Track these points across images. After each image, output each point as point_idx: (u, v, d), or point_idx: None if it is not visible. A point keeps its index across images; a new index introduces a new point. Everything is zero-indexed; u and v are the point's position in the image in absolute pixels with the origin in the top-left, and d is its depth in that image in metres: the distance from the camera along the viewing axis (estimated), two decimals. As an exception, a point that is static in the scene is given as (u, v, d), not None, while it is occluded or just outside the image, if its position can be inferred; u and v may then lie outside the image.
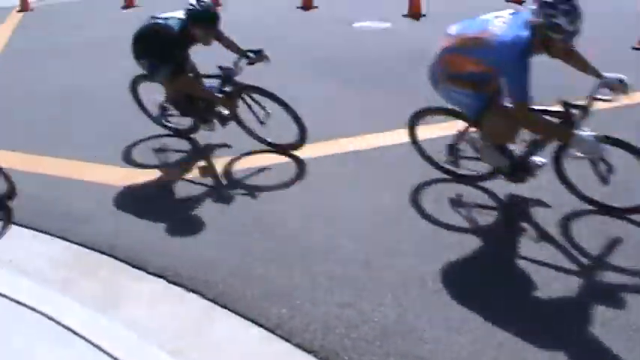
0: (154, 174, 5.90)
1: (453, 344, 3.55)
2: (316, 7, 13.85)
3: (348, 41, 10.65)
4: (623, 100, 4.85)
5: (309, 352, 3.56)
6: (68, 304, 3.95)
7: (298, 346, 3.61)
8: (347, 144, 6.24)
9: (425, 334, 3.63)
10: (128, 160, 6.21)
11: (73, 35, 7.19)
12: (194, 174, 5.87)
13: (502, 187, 5.15)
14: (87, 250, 4.69)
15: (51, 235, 4.91)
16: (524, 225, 4.76)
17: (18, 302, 3.90)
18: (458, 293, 3.98)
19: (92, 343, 3.53)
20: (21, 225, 5.08)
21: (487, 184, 5.24)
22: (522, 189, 5.10)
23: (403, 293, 3.99)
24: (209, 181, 5.73)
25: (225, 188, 5.55)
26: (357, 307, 3.88)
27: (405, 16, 12.98)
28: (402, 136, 5.74)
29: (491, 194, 5.17)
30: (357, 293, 4.01)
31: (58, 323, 3.71)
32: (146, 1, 16.56)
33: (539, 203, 4.97)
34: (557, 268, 4.18)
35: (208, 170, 5.90)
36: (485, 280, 4.13)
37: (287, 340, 3.65)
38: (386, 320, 3.77)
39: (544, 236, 4.57)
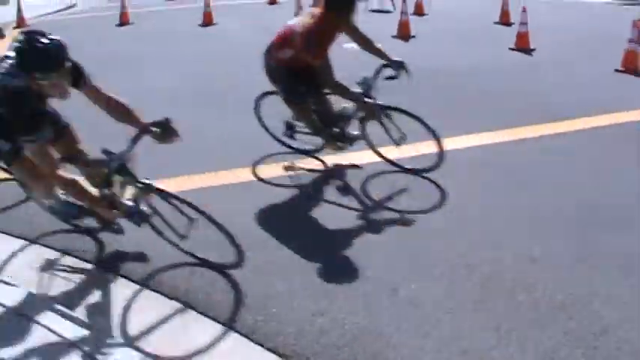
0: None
1: (418, 350, 3.68)
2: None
3: (338, 62, 10.81)
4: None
5: (280, 355, 3.67)
6: (49, 307, 4.07)
7: (271, 350, 3.72)
8: (328, 160, 6.45)
9: (393, 340, 3.75)
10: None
11: (74, 52, 7.30)
12: (178, 185, 5.99)
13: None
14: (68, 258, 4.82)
15: (33, 242, 5.02)
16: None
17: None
18: (425, 302, 4.11)
19: (71, 343, 3.64)
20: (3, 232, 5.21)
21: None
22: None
23: (375, 301, 4.12)
24: (195, 193, 5.83)
25: (209, 201, 5.61)
26: (329, 315, 4.02)
27: (394, 37, 13.21)
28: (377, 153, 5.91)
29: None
30: (331, 301, 4.13)
31: (38, 324, 3.82)
32: (140, 20, 16.84)
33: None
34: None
35: (192, 182, 6.02)
36: (451, 291, 4.26)
37: (261, 345, 3.76)
38: (356, 327, 3.89)
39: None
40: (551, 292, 4.15)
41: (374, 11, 18.15)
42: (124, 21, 16.67)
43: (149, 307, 4.17)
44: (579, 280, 4.29)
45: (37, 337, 3.70)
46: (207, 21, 16.08)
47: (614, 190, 5.45)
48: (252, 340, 3.80)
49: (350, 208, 5.50)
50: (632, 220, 5.11)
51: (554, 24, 14.67)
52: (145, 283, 4.43)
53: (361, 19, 14.81)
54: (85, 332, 3.77)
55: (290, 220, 5.38)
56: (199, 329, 3.91)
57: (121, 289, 4.36)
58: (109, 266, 4.67)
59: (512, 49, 12.07)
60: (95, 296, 4.30)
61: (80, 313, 4.06)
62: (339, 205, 5.57)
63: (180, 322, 4.00)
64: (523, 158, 5.78)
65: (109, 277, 4.53)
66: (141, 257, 4.75)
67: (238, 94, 8.52)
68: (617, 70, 10.25)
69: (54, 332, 3.72)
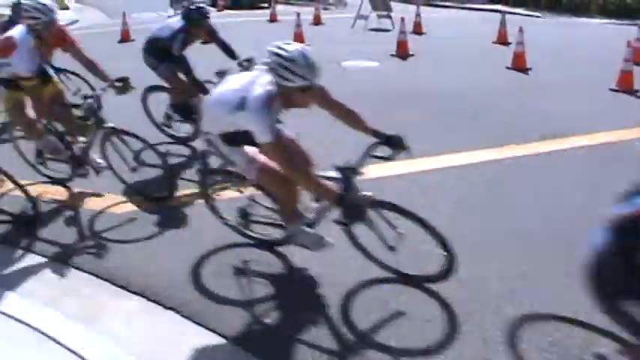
0: (136, 199, 6.10)
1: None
2: (307, 45, 14.22)
3: (338, 79, 10.92)
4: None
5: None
6: (52, 316, 4.16)
7: (264, 358, 3.81)
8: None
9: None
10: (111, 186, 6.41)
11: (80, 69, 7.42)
12: (175, 199, 6.08)
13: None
14: (72, 270, 4.90)
15: (40, 255, 5.11)
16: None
17: (2, 313, 4.10)
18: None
19: (73, 352, 3.72)
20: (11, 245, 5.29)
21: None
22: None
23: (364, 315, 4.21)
24: (190, 206, 5.92)
25: (205, 214, 5.49)
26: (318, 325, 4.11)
27: (392, 55, 13.35)
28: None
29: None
30: (321, 312, 4.23)
31: (41, 332, 3.90)
32: (140, 36, 16.94)
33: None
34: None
35: (190, 195, 6.08)
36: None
37: (253, 353, 3.84)
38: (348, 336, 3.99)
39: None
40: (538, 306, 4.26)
41: (373, 30, 18.34)
42: (124, 37, 16.82)
43: (153, 320, 4.27)
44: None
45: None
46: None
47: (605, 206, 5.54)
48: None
49: None
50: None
51: (551, 43, 14.84)
52: (150, 296, 4.49)
53: (360, 38, 15.12)
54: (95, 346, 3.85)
55: None
56: (200, 341, 4.00)
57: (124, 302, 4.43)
58: (108, 276, 4.77)
59: (509, 69, 12.21)
60: (97, 311, 4.38)
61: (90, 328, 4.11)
62: None
63: (184, 334, 4.08)
64: (512, 176, 5.89)
65: (110, 288, 4.64)
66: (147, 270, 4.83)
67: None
68: (611, 90, 10.38)
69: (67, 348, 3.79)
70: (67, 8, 28.79)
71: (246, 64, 6.93)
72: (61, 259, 5.04)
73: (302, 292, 4.51)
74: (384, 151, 4.39)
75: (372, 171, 5.54)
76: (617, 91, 10.34)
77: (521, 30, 12.44)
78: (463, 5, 28.25)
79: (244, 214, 4.95)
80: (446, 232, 4.28)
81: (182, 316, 4.25)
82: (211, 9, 18.37)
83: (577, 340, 3.85)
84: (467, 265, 4.50)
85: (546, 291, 4.40)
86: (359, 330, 4.05)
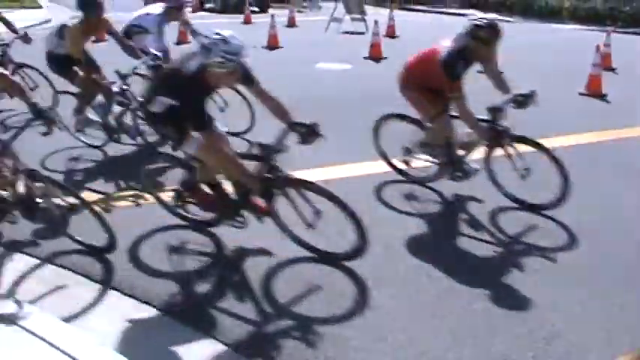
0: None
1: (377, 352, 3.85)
2: (281, 47, 14.28)
3: (311, 81, 11.04)
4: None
5: (249, 357, 3.81)
6: (38, 313, 4.17)
7: (241, 352, 3.86)
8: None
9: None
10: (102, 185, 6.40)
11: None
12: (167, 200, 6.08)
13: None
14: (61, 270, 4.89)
15: (28, 255, 5.08)
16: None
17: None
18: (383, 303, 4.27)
19: (55, 347, 3.73)
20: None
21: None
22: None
23: (337, 308, 4.28)
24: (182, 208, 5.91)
25: (195, 215, 5.52)
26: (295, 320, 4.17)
27: (366, 58, 13.45)
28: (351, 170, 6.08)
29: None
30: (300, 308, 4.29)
31: (24, 329, 3.91)
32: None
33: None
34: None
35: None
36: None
37: (231, 347, 3.89)
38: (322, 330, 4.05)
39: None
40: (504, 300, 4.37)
41: (347, 33, 18.45)
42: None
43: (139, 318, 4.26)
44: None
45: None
46: (183, 39, 16.21)
47: (565, 208, 5.68)
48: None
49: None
50: (581, 236, 5.34)
51: (523, 48, 15.04)
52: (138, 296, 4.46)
53: (334, 40, 15.15)
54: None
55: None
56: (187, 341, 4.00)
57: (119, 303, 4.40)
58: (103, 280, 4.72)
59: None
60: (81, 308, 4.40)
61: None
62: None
63: (171, 335, 4.09)
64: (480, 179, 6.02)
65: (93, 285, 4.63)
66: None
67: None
68: (581, 94, 10.57)
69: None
70: (39, 7, 28.55)
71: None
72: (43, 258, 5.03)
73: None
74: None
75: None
76: (586, 95, 10.54)
77: (492, 34, 12.60)
78: (437, 9, 28.50)
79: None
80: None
81: (160, 310, 4.29)
82: (187, 10, 17.94)
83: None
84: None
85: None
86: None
